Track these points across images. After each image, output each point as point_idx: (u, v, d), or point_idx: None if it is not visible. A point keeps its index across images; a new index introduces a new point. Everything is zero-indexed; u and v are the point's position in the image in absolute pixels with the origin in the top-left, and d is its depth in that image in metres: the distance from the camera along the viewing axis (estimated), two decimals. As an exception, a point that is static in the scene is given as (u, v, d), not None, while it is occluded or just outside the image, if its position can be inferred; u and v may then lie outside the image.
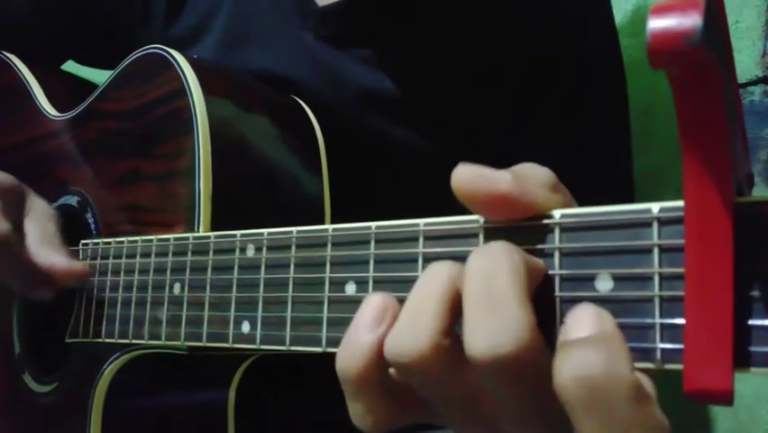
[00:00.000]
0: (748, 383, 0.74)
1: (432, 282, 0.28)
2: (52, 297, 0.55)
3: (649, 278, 0.26)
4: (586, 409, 0.23)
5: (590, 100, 0.63)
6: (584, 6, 0.64)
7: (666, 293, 0.25)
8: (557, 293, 0.28)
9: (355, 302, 0.34)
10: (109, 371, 0.52)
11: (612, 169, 0.64)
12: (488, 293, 0.25)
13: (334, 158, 0.58)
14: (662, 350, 0.25)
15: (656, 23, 0.20)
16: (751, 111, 0.75)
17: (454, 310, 0.27)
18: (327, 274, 0.36)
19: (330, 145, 0.58)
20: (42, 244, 0.55)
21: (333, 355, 0.31)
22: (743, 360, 0.23)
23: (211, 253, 0.43)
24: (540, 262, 0.28)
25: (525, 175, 0.28)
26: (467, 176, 0.28)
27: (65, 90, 0.71)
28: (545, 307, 0.28)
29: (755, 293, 0.23)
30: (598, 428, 0.23)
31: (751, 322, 0.23)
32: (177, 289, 0.45)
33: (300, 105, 0.60)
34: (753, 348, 0.23)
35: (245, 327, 0.40)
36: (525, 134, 0.62)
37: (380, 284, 0.33)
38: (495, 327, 0.25)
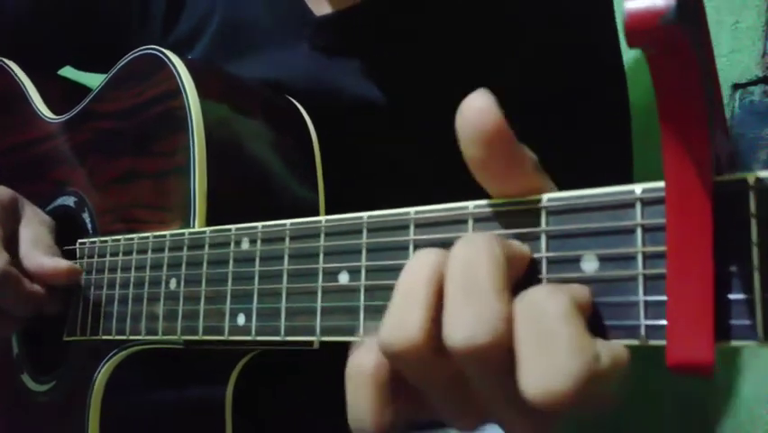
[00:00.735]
0: (748, 383, 0.74)
1: (418, 272, 0.28)
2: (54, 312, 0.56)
3: (633, 257, 0.26)
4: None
5: (590, 103, 0.63)
6: (584, 6, 0.65)
7: (649, 271, 0.26)
8: (544, 275, 0.28)
9: (348, 291, 0.35)
10: (107, 368, 0.52)
11: (612, 170, 0.64)
12: (466, 283, 0.26)
13: (327, 165, 0.58)
14: (647, 327, 0.26)
15: (633, 3, 0.20)
16: (751, 111, 0.75)
17: (441, 298, 0.27)
18: (321, 265, 0.36)
19: (323, 154, 0.58)
20: (33, 247, 0.55)
21: (330, 354, 0.31)
22: (724, 333, 0.24)
23: (206, 247, 0.44)
24: (524, 248, 0.29)
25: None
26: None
27: (62, 94, 0.72)
28: None
29: (734, 269, 0.24)
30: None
31: (731, 296, 0.24)
32: (173, 284, 0.46)
33: (295, 105, 0.60)
34: (733, 321, 0.23)
35: (240, 320, 0.40)
36: (522, 142, 0.62)
37: (373, 273, 0.34)
38: (472, 317, 0.25)
